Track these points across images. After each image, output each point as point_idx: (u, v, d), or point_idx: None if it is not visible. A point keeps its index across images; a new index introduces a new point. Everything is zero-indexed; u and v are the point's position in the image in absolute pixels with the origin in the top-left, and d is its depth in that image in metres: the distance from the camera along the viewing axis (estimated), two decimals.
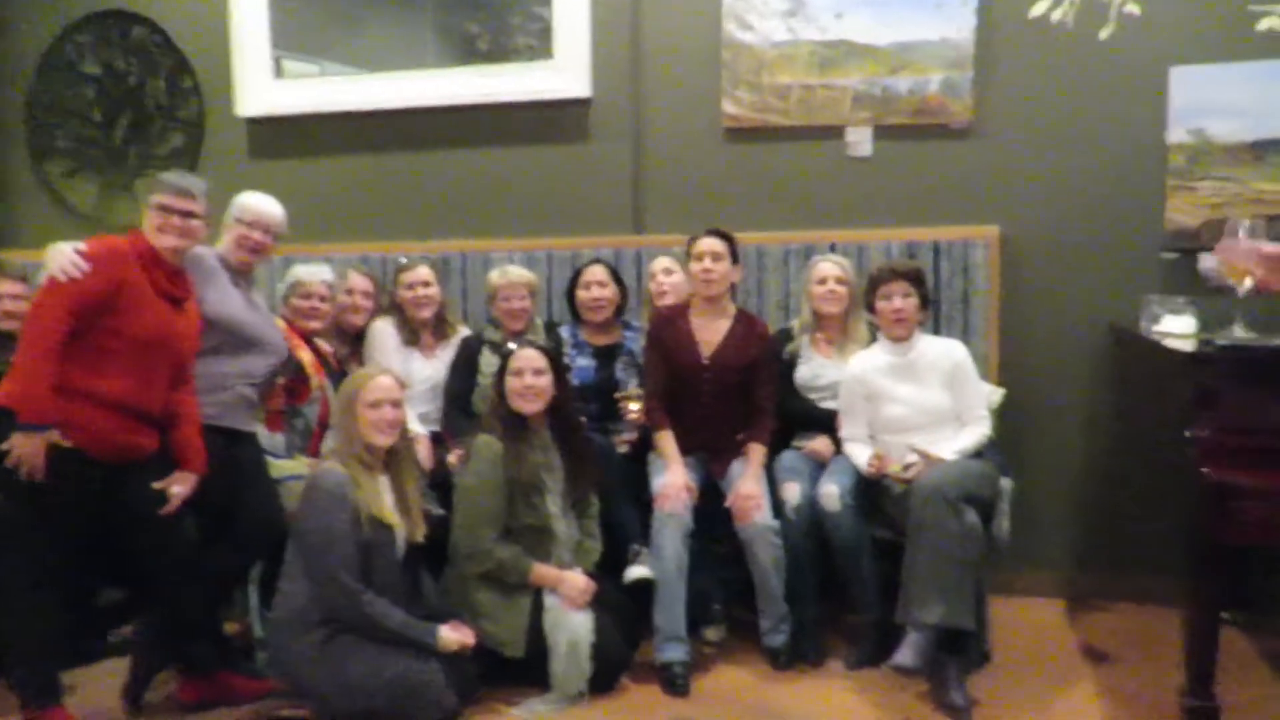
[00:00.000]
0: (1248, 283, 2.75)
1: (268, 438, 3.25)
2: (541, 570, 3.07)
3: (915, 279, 3.33)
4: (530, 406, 3.13)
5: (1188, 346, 2.86)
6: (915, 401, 3.28)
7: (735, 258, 3.43)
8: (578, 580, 3.08)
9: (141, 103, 4.55)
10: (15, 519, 2.71)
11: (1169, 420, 2.78)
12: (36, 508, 2.69)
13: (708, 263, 3.37)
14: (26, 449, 2.62)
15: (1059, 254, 3.76)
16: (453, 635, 2.87)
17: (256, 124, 4.47)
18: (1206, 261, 3.55)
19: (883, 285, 3.32)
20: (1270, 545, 2.58)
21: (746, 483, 3.25)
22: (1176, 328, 3.19)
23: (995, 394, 3.51)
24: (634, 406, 3.52)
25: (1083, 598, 3.77)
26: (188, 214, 2.85)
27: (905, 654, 2.91)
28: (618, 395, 3.58)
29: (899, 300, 3.29)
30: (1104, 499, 3.77)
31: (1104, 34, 3.63)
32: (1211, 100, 3.58)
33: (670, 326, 3.45)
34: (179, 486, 2.87)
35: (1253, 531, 2.52)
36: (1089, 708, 2.95)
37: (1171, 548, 2.88)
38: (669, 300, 3.63)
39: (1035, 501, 3.67)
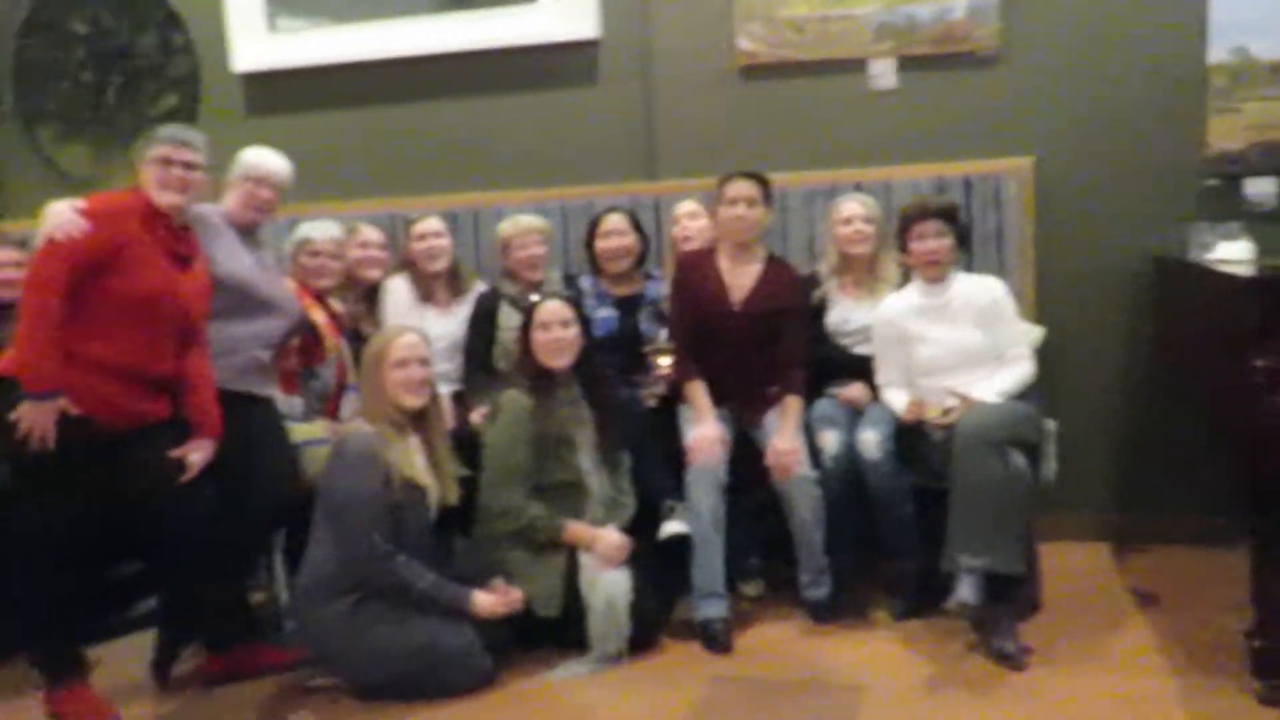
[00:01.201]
0: None
1: (284, 401, 3.12)
2: (575, 529, 2.97)
3: (949, 217, 3.19)
4: (560, 360, 3.01)
5: (1248, 272, 2.72)
6: (949, 342, 3.16)
7: (769, 201, 3.28)
8: (612, 538, 2.98)
9: (133, 61, 4.37)
10: (24, 490, 2.60)
11: (1225, 351, 2.65)
12: (46, 478, 2.57)
13: (741, 209, 3.21)
14: (36, 418, 2.51)
15: (1095, 184, 3.60)
16: (488, 598, 2.77)
17: (252, 79, 4.31)
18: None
19: (916, 225, 3.18)
20: None
21: (784, 438, 3.12)
22: (1233, 254, 3.05)
23: (1035, 332, 3.37)
24: (664, 361, 3.38)
25: (1127, 540, 3.66)
26: (188, 165, 2.72)
27: (966, 591, 2.80)
28: (647, 349, 3.44)
29: (933, 241, 3.15)
30: (1146, 438, 3.65)
31: None
32: (1253, 16, 3.41)
33: (697, 271, 3.31)
34: (196, 454, 2.76)
35: None
36: (1148, 652, 2.84)
37: (1217, 487, 2.75)
38: (694, 247, 3.48)
39: (1076, 442, 3.53)
